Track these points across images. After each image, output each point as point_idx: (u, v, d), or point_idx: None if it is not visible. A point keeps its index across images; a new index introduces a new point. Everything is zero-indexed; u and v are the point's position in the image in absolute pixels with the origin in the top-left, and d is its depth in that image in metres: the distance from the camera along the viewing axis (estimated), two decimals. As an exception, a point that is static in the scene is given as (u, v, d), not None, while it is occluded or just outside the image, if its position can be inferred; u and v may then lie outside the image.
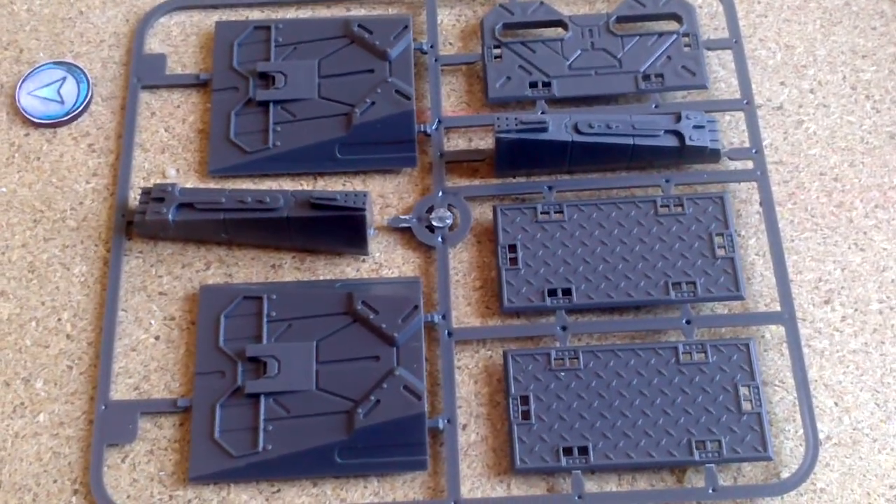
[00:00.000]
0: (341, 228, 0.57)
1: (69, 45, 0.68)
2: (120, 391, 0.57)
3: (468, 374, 0.57)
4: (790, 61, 0.66)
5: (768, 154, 0.62)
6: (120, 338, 0.58)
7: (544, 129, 0.59)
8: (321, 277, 0.60)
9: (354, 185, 0.62)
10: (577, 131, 0.59)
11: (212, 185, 0.62)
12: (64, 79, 0.66)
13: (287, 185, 0.62)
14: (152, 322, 0.59)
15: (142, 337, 0.59)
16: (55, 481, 0.55)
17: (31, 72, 0.66)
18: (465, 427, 0.56)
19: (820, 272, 0.60)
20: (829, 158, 0.63)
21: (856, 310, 0.59)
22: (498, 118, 0.59)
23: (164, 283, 0.60)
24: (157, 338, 0.59)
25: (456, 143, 0.64)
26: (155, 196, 0.58)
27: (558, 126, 0.60)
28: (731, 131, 0.64)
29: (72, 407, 0.57)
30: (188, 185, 0.62)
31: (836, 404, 0.57)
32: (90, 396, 0.57)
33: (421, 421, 0.54)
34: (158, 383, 0.57)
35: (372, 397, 0.54)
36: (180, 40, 0.67)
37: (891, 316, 0.59)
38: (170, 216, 0.57)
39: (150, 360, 0.58)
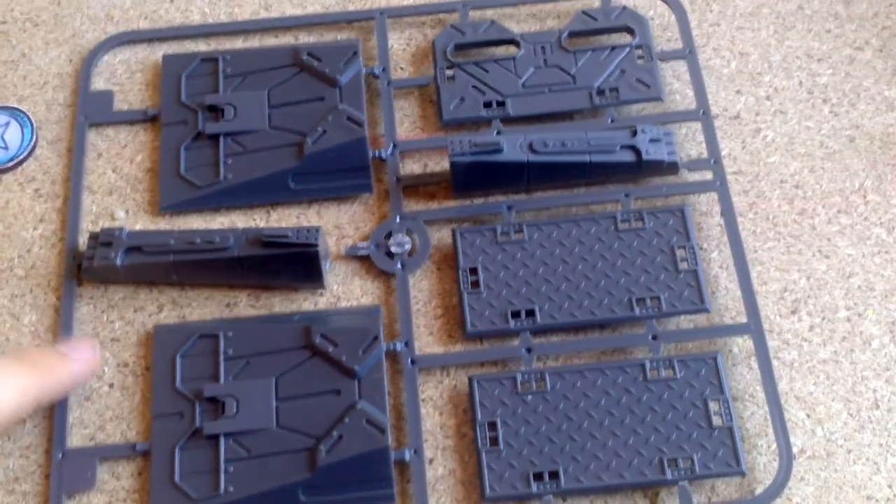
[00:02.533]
0: (295, 264, 0.56)
1: (12, 89, 0.66)
2: (76, 442, 0.56)
3: (433, 405, 0.56)
4: (745, 69, 0.66)
5: (727, 164, 0.62)
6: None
7: (499, 150, 0.58)
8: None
9: (309, 215, 0.61)
10: (533, 150, 0.59)
11: (163, 223, 0.61)
12: (7, 123, 0.64)
13: (240, 217, 0.61)
14: (106, 369, 0.58)
15: (95, 385, 0.57)
16: (12, 539, 0.54)
17: (-26, 116, 0.65)
18: (431, 461, 0.55)
19: (785, 282, 0.59)
20: (789, 165, 0.62)
21: (823, 318, 0.58)
22: (451, 141, 0.59)
23: (116, 329, 0.58)
24: (111, 385, 0.57)
25: (412, 167, 0.63)
26: (103, 241, 0.57)
27: (513, 146, 0.59)
28: (689, 143, 0.63)
29: (27, 461, 0.55)
30: (139, 226, 0.61)
31: (808, 416, 0.56)
32: (45, 449, 0.56)
33: (386, 454, 0.53)
34: (114, 432, 0.56)
35: (334, 433, 0.53)
36: (126, 77, 0.66)
37: (859, 323, 0.58)
38: (118, 261, 0.56)
39: (104, 408, 0.57)
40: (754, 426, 0.55)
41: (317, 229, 0.56)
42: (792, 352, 0.57)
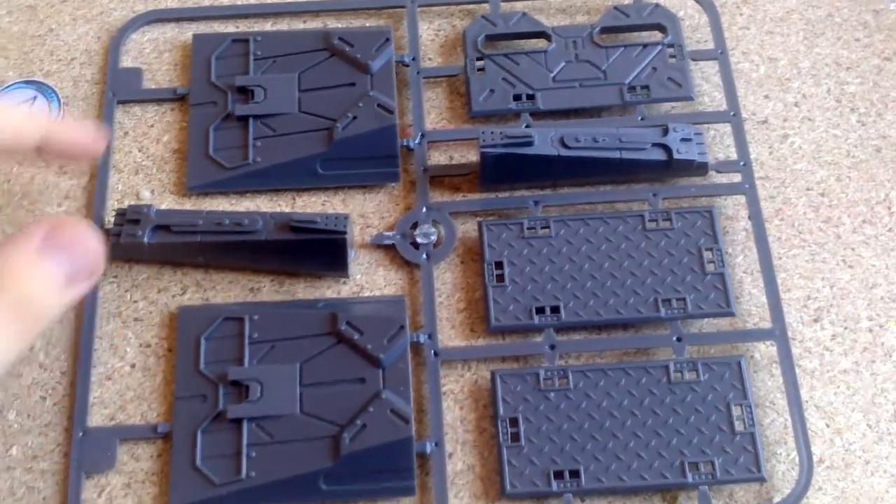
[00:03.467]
0: (321, 251, 0.56)
1: (39, 64, 0.66)
2: (95, 422, 0.55)
3: (453, 399, 0.56)
4: (774, 74, 0.66)
5: (754, 169, 0.62)
6: (94, 366, 0.57)
7: (530, 144, 0.58)
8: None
9: (334, 202, 0.61)
10: (564, 145, 0.58)
11: (188, 204, 0.60)
12: (34, 98, 0.64)
13: (265, 202, 0.61)
14: (128, 349, 0.57)
15: (117, 365, 0.57)
16: (29, 517, 0.54)
17: (0, 91, 0.64)
18: (451, 455, 0.55)
19: (808, 290, 0.59)
20: (816, 173, 0.62)
21: (845, 328, 0.58)
22: (483, 132, 0.58)
23: (139, 309, 0.58)
24: (132, 366, 0.57)
25: (437, 158, 0.63)
26: (130, 218, 0.56)
27: (544, 140, 0.58)
28: (716, 145, 0.63)
29: (46, 439, 0.55)
30: (164, 206, 0.60)
31: (827, 426, 0.56)
32: (64, 427, 0.55)
33: (408, 445, 0.52)
34: (135, 413, 0.56)
35: (358, 421, 0.53)
36: (153, 57, 0.66)
37: (880, 334, 0.58)
38: (145, 238, 0.55)
39: (125, 389, 0.56)
40: (774, 434, 0.55)
41: (345, 217, 0.56)
42: (813, 360, 0.57)
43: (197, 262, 0.58)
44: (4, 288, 0.41)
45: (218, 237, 0.56)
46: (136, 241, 0.56)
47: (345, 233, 0.55)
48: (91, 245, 0.44)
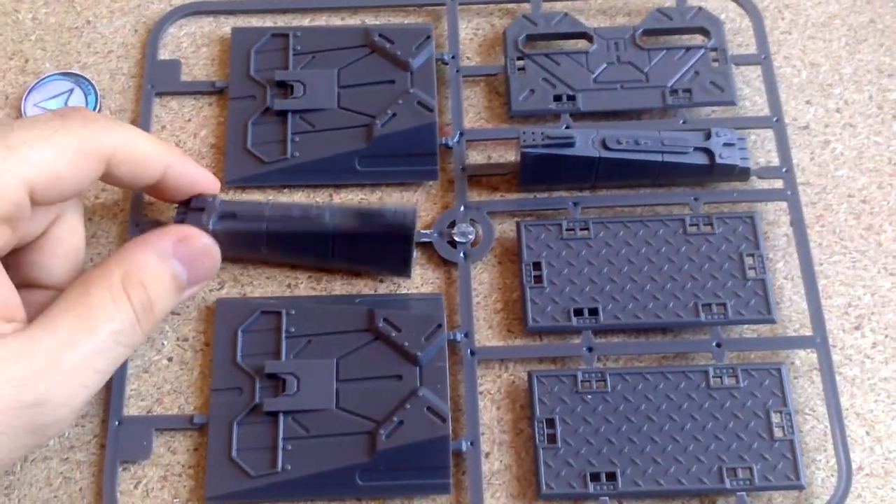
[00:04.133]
0: (387, 245, 0.55)
1: (76, 56, 0.66)
2: (132, 413, 0.55)
3: (490, 399, 0.56)
4: (816, 80, 0.65)
5: (795, 175, 0.61)
6: (132, 359, 0.56)
7: (572, 145, 0.58)
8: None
9: (371, 200, 0.61)
10: (605, 147, 0.58)
11: (226, 198, 0.60)
12: (71, 90, 0.64)
13: (303, 197, 0.61)
14: (164, 343, 0.57)
15: (154, 358, 0.57)
16: (65, 507, 0.54)
17: (38, 83, 0.64)
18: (487, 455, 0.54)
19: (849, 297, 0.58)
20: (857, 180, 0.62)
21: (886, 336, 0.57)
22: (523, 132, 0.58)
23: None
24: (169, 359, 0.57)
25: (475, 157, 0.62)
26: (195, 206, 0.54)
27: (585, 141, 0.58)
28: (757, 150, 0.62)
29: (82, 430, 0.55)
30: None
31: (867, 433, 0.55)
32: (101, 419, 0.55)
33: (445, 443, 0.52)
34: (171, 406, 0.56)
35: (395, 418, 0.52)
36: (191, 51, 0.65)
37: (922, 343, 0.57)
38: (211, 226, 0.53)
39: (162, 381, 0.56)
40: (813, 441, 0.55)
41: (413, 210, 0.54)
42: (854, 368, 0.57)
43: (259, 253, 0.56)
44: (135, 288, 0.46)
45: (286, 225, 0.54)
46: (202, 230, 0.53)
47: (413, 228, 0.54)
48: (214, 259, 0.51)
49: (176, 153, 0.52)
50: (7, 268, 0.46)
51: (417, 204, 0.55)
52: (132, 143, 0.48)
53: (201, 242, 0.50)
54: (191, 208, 0.54)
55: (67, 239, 0.51)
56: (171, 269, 0.48)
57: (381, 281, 0.58)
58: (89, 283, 0.45)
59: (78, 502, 0.53)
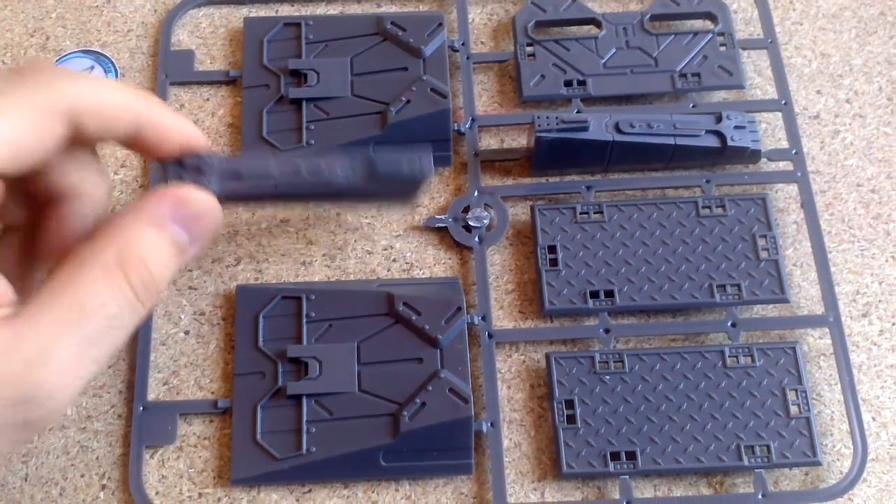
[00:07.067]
0: (400, 189, 0.51)
1: (96, 34, 0.66)
2: (150, 386, 0.56)
3: (507, 380, 0.56)
4: (826, 70, 0.65)
5: (805, 157, 0.62)
6: (151, 332, 0.57)
7: (586, 129, 0.58)
8: (352, 276, 0.59)
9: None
10: (619, 131, 0.58)
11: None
12: (92, 68, 0.64)
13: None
14: (182, 316, 0.58)
15: (171, 331, 0.57)
16: (82, 475, 0.54)
17: (58, 60, 0.64)
18: (506, 435, 0.55)
19: (858, 284, 0.59)
20: (867, 170, 0.62)
21: (893, 323, 0.58)
22: (537, 116, 0.58)
23: (193, 278, 0.58)
24: (186, 332, 0.57)
25: (488, 142, 0.63)
26: (190, 164, 0.47)
27: (599, 125, 0.59)
28: (766, 136, 0.63)
29: (100, 401, 0.56)
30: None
31: (873, 419, 0.56)
32: (119, 390, 0.56)
33: (468, 424, 0.52)
34: (188, 378, 0.56)
35: (417, 400, 0.53)
36: (209, 32, 0.66)
37: (928, 331, 0.58)
38: (214, 188, 0.47)
39: (179, 354, 0.57)
40: (822, 424, 0.55)
41: (428, 155, 0.50)
42: (861, 354, 0.57)
43: (261, 208, 0.56)
44: (134, 267, 0.40)
45: (295, 184, 0.49)
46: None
47: (427, 178, 0.50)
48: (216, 217, 0.45)
49: (150, 100, 0.45)
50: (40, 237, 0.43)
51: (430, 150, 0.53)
52: (95, 92, 0.42)
53: (202, 203, 0.44)
54: (186, 167, 0.47)
55: (93, 193, 0.45)
56: (169, 235, 0.42)
57: (395, 261, 0.59)
58: (81, 264, 0.40)
59: (94, 471, 0.54)
